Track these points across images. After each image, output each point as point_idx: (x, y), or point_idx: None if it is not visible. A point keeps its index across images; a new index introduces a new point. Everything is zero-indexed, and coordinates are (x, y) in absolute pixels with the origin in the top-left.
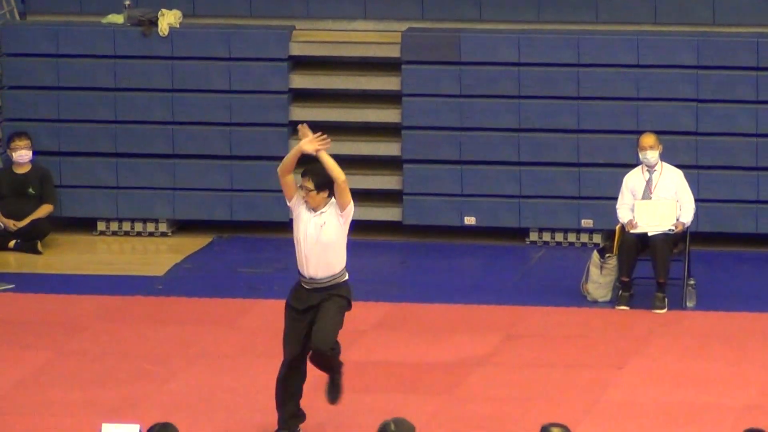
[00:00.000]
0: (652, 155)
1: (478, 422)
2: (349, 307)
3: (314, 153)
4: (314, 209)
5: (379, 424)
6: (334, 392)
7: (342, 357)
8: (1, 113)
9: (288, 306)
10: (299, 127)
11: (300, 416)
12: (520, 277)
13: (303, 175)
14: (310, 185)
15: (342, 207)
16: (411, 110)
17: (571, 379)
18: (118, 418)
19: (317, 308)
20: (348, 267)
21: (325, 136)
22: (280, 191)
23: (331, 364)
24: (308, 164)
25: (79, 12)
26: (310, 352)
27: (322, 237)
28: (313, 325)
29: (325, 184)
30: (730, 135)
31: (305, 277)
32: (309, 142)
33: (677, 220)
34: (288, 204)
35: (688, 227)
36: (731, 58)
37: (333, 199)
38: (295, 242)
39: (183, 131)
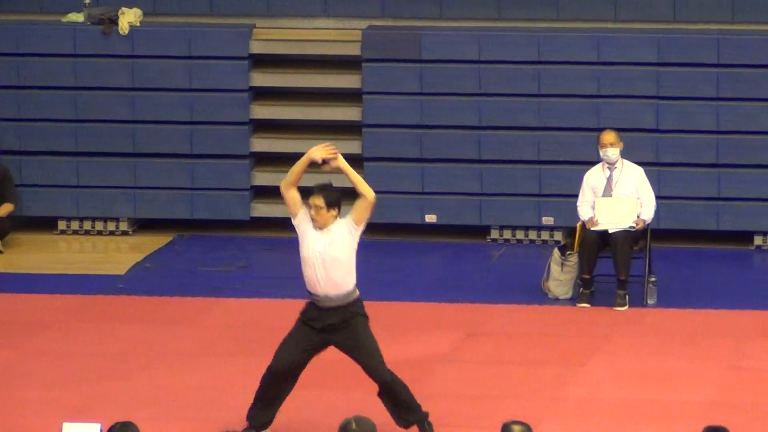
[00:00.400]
0: (612, 152)
1: (440, 419)
2: (368, 322)
3: (320, 161)
4: (321, 227)
5: (341, 422)
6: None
7: None
8: None
9: (301, 322)
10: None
11: (272, 419)
12: (481, 274)
13: (314, 192)
14: (321, 203)
15: (359, 222)
16: (371, 108)
17: (533, 377)
18: (79, 418)
19: (342, 331)
20: None
21: (334, 148)
22: (242, 189)
23: (397, 395)
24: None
25: (39, 11)
26: (378, 391)
27: (331, 254)
28: (329, 345)
29: (336, 202)
30: (691, 132)
31: (318, 296)
32: (318, 150)
33: (638, 217)
34: (293, 221)
35: (649, 224)
36: (692, 56)
37: (339, 217)
38: (303, 262)
39: (144, 130)
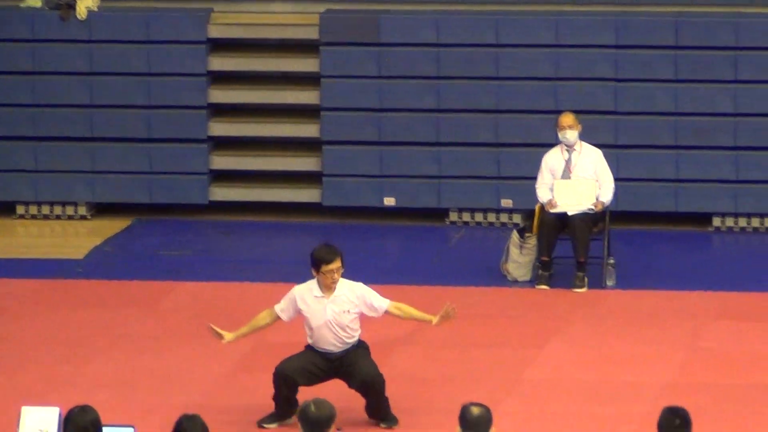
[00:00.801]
0: (571, 135)
1: (399, 402)
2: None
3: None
4: (330, 291)
5: (299, 405)
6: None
7: (263, 340)
8: None
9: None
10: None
11: (294, 408)
12: (440, 257)
13: (329, 262)
14: (341, 264)
15: (372, 311)
16: (330, 92)
17: (492, 359)
18: (38, 401)
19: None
20: (267, 250)
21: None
22: (200, 173)
23: (381, 400)
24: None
25: None
26: (366, 403)
27: (341, 321)
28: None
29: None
30: (650, 114)
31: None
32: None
33: (597, 199)
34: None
35: (607, 206)
36: (650, 38)
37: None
38: (307, 327)
39: (102, 114)
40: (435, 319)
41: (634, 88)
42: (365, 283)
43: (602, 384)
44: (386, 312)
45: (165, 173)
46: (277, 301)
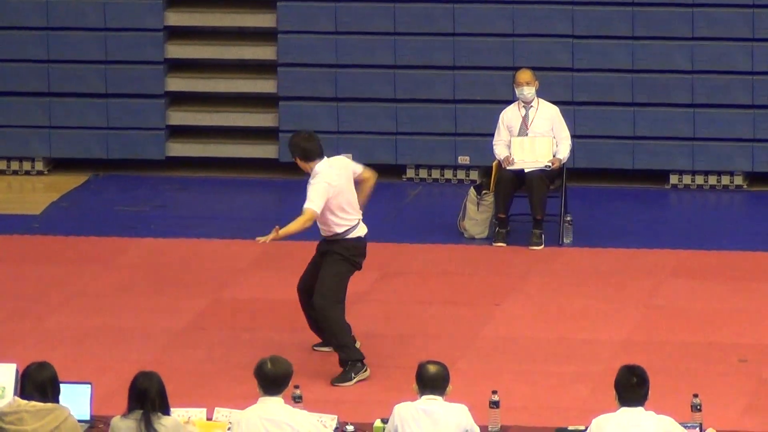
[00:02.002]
0: (528, 91)
1: None
2: (346, 263)
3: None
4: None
5: (257, 362)
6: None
7: (219, 297)
8: None
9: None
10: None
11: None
12: (396, 214)
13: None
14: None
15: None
16: (287, 47)
17: (449, 316)
18: None
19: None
20: (224, 205)
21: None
22: (157, 129)
23: (326, 325)
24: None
25: None
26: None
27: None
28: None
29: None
30: (607, 71)
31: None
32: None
33: (554, 156)
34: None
35: (564, 163)
36: None
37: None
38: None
39: (58, 69)
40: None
41: (591, 44)
42: (315, 240)
43: (559, 342)
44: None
45: (122, 128)
46: (236, 257)
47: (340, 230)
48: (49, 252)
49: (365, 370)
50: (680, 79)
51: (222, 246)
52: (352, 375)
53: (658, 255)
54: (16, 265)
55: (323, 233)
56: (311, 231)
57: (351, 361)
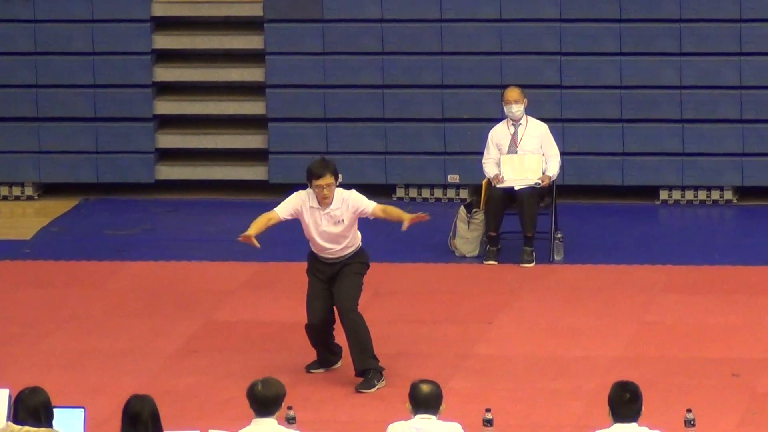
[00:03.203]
0: (517, 109)
1: (348, 380)
2: (366, 268)
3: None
4: (328, 204)
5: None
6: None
7: (211, 319)
8: None
9: (310, 272)
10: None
11: (336, 353)
12: (387, 233)
13: (318, 177)
14: (332, 181)
15: (361, 214)
16: (274, 69)
17: (441, 335)
18: None
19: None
20: (214, 228)
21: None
22: (146, 152)
23: (361, 331)
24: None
25: None
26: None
27: (333, 231)
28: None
29: (337, 172)
30: (595, 88)
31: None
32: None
33: (543, 173)
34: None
35: (554, 180)
36: (594, 11)
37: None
38: (306, 235)
39: (47, 94)
40: (405, 223)
41: (579, 61)
42: (306, 261)
43: (552, 359)
44: (372, 215)
45: (111, 152)
46: (227, 279)
47: (359, 242)
48: (41, 277)
49: (383, 380)
50: (668, 95)
51: (213, 268)
52: (375, 382)
53: (649, 271)
54: (8, 290)
55: (342, 253)
56: (299, 251)
57: (374, 370)
